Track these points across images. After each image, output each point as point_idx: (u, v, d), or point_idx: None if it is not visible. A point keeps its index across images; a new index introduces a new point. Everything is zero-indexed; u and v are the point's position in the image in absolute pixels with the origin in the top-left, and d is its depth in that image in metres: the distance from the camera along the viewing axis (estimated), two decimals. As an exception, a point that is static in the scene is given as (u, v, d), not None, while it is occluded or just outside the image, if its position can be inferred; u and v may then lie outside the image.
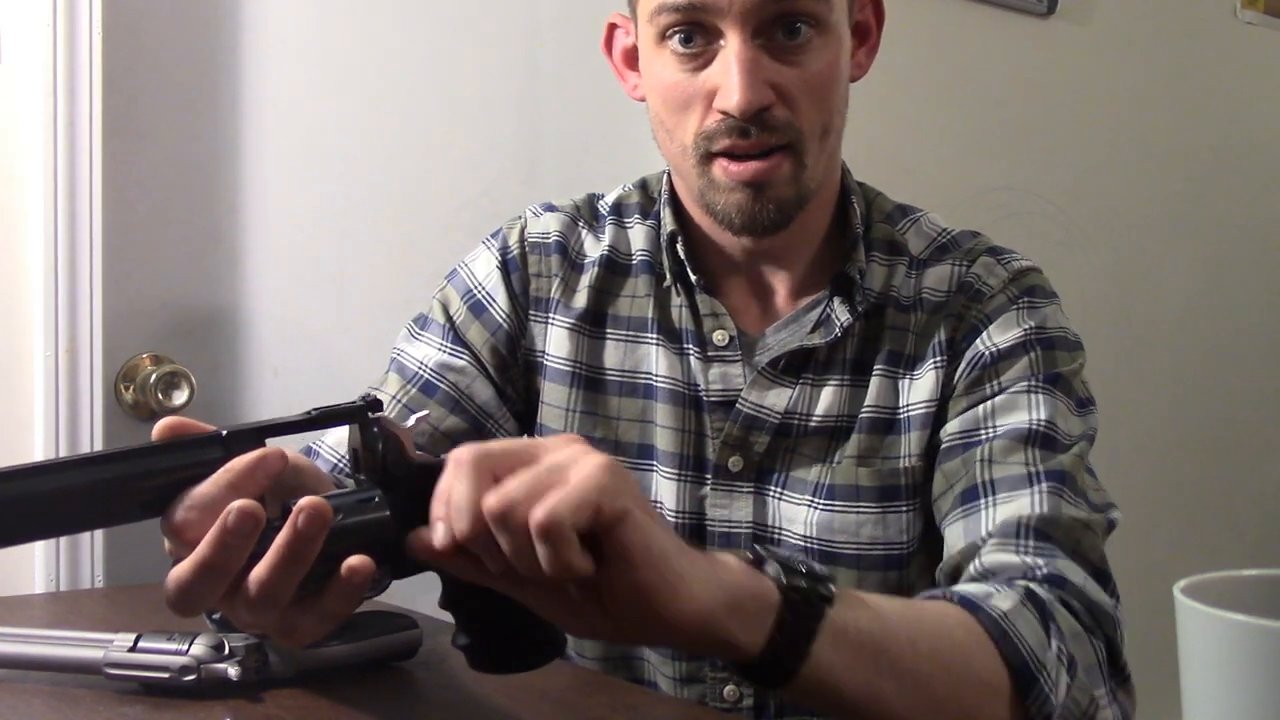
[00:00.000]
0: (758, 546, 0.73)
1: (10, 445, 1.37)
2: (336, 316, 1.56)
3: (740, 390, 1.03)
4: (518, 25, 1.70)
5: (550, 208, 1.13)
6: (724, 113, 0.94)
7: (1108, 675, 0.85)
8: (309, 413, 0.70)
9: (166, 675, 0.86)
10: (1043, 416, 0.96)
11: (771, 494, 1.03)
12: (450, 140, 1.64)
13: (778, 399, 1.02)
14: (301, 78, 1.53)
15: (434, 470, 0.70)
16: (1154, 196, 2.53)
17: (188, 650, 0.86)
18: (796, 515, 1.01)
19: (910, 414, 1.01)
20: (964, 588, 0.85)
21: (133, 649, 0.87)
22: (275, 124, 1.51)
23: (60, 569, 1.37)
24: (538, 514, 0.61)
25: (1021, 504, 0.91)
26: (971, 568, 0.90)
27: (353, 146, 1.58)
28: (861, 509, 1.00)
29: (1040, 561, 0.87)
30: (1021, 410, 0.97)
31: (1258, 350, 2.75)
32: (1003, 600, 0.82)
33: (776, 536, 1.02)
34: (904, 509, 1.00)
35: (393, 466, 0.70)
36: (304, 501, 0.63)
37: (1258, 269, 2.74)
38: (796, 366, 1.03)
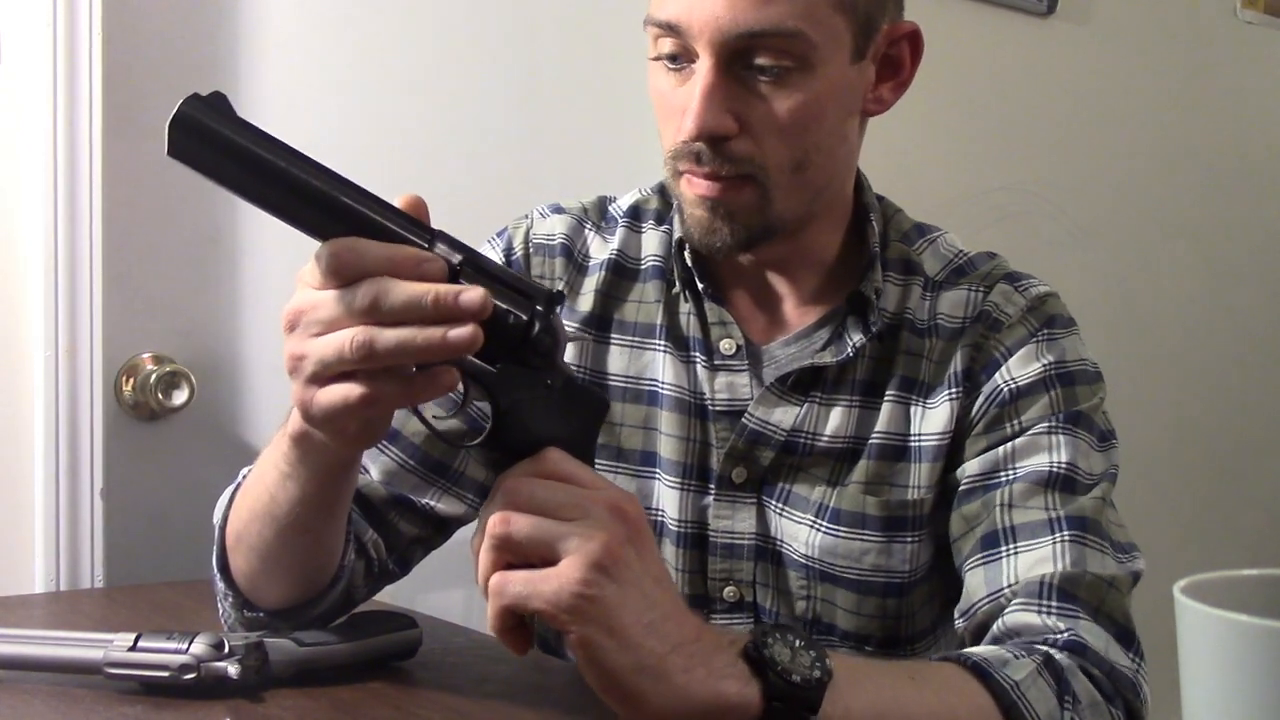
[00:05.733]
0: (765, 633, 0.73)
1: (10, 445, 1.37)
2: (336, 316, 1.56)
3: (747, 401, 1.01)
4: (518, 25, 1.70)
5: (558, 209, 1.12)
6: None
7: None
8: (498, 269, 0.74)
9: (166, 674, 0.86)
10: (1064, 458, 0.95)
11: (773, 508, 1.01)
12: (450, 140, 1.64)
13: (784, 416, 1.01)
14: (301, 78, 1.53)
15: (572, 387, 0.75)
16: (1154, 196, 2.53)
17: (187, 649, 0.86)
18: (798, 533, 1.00)
19: (922, 444, 0.99)
20: (981, 651, 0.84)
21: (133, 649, 0.87)
22: (275, 124, 1.49)
23: (60, 569, 1.37)
24: (494, 587, 0.70)
25: (1043, 555, 0.91)
26: (995, 627, 0.90)
27: (352, 146, 1.57)
28: (866, 537, 0.99)
29: (1062, 625, 0.87)
30: (1042, 452, 0.95)
31: (1258, 350, 2.75)
32: (1017, 669, 0.81)
33: (779, 550, 1.01)
34: (909, 540, 0.99)
35: (540, 361, 0.74)
36: (480, 290, 0.70)
37: (1258, 269, 2.74)
38: (805, 384, 1.01)
